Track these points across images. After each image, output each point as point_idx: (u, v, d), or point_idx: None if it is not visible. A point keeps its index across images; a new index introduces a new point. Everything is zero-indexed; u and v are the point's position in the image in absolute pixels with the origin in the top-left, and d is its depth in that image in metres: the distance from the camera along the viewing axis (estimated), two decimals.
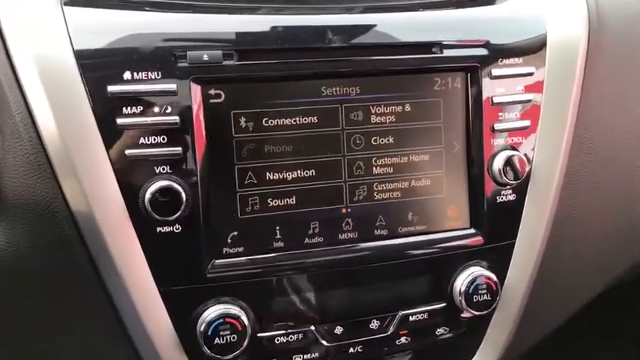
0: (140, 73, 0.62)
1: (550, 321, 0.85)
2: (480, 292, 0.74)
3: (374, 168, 0.71)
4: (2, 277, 0.64)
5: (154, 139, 0.63)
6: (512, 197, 0.76)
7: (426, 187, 0.73)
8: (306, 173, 0.69)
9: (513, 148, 0.75)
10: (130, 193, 0.63)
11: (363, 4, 0.75)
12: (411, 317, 0.74)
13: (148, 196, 0.62)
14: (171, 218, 0.63)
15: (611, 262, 0.86)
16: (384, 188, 0.72)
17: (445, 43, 0.71)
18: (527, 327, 0.81)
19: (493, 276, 0.75)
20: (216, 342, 0.66)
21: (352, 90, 0.69)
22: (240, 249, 0.68)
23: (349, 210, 0.71)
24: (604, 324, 1.42)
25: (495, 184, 0.75)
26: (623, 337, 1.40)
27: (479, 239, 0.75)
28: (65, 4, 0.64)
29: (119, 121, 0.62)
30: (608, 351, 1.44)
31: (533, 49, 0.76)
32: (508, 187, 0.75)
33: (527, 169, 0.75)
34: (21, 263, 0.63)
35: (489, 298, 0.74)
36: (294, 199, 0.69)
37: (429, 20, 0.73)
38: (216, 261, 0.67)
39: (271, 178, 0.68)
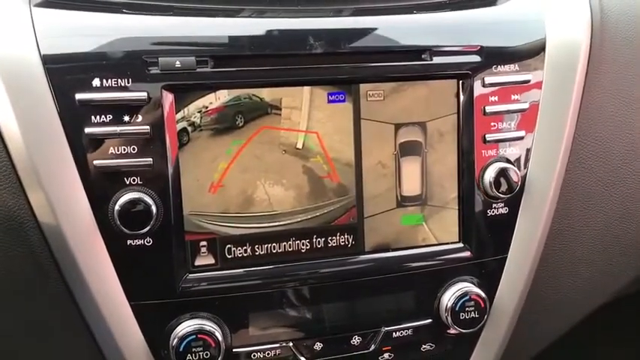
0: (110, 80, 0.58)
1: (541, 339, 0.81)
2: (467, 309, 0.69)
3: None
4: None
5: (124, 149, 0.58)
6: (504, 210, 0.70)
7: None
8: None
9: (507, 160, 0.69)
10: (99, 205, 0.59)
11: (351, 5, 0.69)
12: (394, 333, 0.70)
13: (117, 208, 0.58)
14: (141, 232, 0.59)
15: (608, 278, 0.80)
16: None
17: (435, 49, 0.65)
18: (517, 346, 0.76)
19: (482, 292, 0.70)
20: (188, 358, 0.61)
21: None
22: (212, 260, 0.63)
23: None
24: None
25: (487, 196, 0.69)
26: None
27: (468, 254, 0.70)
28: (35, 5, 0.59)
29: (87, 130, 0.57)
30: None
31: (531, 54, 0.70)
32: (500, 200, 0.70)
33: (520, 181, 0.69)
34: None
35: (477, 316, 0.70)
36: None
37: (419, 24, 0.68)
38: (189, 275, 0.62)
39: None
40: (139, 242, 0.60)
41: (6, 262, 0.59)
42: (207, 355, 0.62)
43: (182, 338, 0.61)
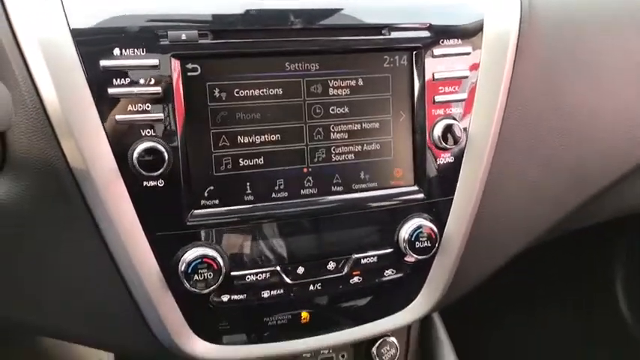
0: (128, 50, 0.68)
1: (484, 267, 0.93)
2: (421, 239, 0.81)
3: (331, 134, 0.78)
4: (6, 224, 0.70)
5: (140, 107, 0.69)
6: (450, 160, 0.83)
7: (376, 150, 0.80)
8: (273, 137, 0.76)
9: (452, 118, 0.82)
10: (120, 152, 0.69)
11: None
12: (362, 260, 0.81)
13: (135, 155, 0.69)
14: (155, 174, 0.70)
15: (534, 221, 0.94)
16: (340, 151, 0.79)
17: (393, 26, 0.78)
18: (464, 272, 0.88)
19: (433, 226, 0.82)
20: (195, 278, 0.73)
21: (312, 66, 0.76)
22: (216, 201, 0.75)
23: (310, 170, 0.78)
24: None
25: (436, 148, 0.82)
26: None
27: (421, 195, 0.82)
28: None
29: (110, 91, 0.68)
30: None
31: (471, 32, 0.82)
32: (447, 151, 0.82)
33: (463, 135, 0.81)
34: (25, 211, 0.69)
35: (430, 245, 0.82)
36: (262, 159, 0.76)
37: (380, 6, 0.79)
38: (195, 211, 0.74)
39: (242, 141, 0.75)
40: (153, 184, 0.71)
41: (42, 200, 0.70)
42: (210, 275, 0.73)
43: (189, 263, 0.73)
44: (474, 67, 0.82)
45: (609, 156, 0.96)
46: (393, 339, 0.96)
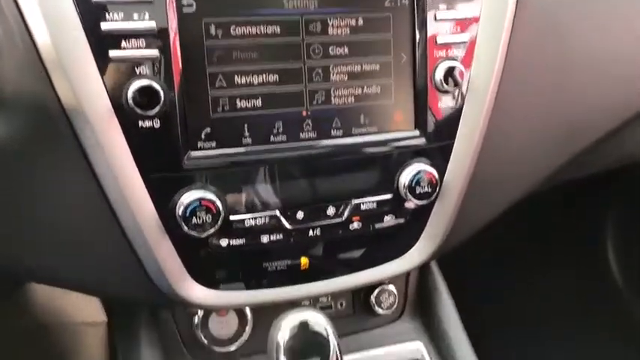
0: None
1: (483, 214, 0.93)
2: (421, 184, 0.80)
3: (331, 75, 0.76)
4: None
5: (134, 43, 0.67)
6: (451, 104, 0.81)
7: (377, 93, 0.78)
8: (270, 78, 0.74)
9: (454, 60, 0.80)
10: (114, 90, 0.67)
11: None
12: (362, 205, 0.80)
13: (130, 93, 0.66)
14: (150, 113, 0.68)
15: (539, 164, 0.93)
16: (340, 94, 0.77)
17: None
18: (463, 219, 0.88)
19: (434, 171, 0.81)
20: (194, 221, 0.71)
21: (311, 3, 0.73)
22: (213, 143, 0.73)
23: (309, 112, 0.76)
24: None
25: (437, 91, 0.80)
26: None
27: (422, 140, 0.81)
28: None
29: (103, 26, 0.65)
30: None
31: None
32: (448, 94, 0.80)
33: (465, 78, 0.80)
34: (18, 153, 0.68)
35: (430, 190, 0.81)
36: (259, 101, 0.74)
37: None
38: (192, 153, 0.72)
39: (239, 82, 0.72)
40: (148, 124, 0.69)
41: (36, 139, 0.68)
42: (209, 219, 0.72)
43: (187, 205, 0.71)
44: (477, 8, 0.80)
45: (611, 101, 0.96)
46: (391, 287, 0.96)
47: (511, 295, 1.59)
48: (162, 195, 0.72)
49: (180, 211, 0.71)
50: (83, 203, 0.73)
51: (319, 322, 0.66)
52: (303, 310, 0.67)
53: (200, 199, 0.71)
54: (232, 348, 0.90)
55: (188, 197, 0.72)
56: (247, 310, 0.91)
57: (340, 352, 0.66)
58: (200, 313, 0.89)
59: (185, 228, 0.72)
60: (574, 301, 1.58)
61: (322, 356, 0.65)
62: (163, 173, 0.72)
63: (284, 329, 0.66)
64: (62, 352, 1.27)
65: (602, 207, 1.62)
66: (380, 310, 0.95)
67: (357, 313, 0.98)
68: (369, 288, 0.96)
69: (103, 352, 1.22)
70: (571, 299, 1.57)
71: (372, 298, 0.95)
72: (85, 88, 0.67)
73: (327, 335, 0.65)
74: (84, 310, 1.28)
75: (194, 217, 0.71)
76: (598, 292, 1.59)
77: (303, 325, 0.66)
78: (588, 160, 0.98)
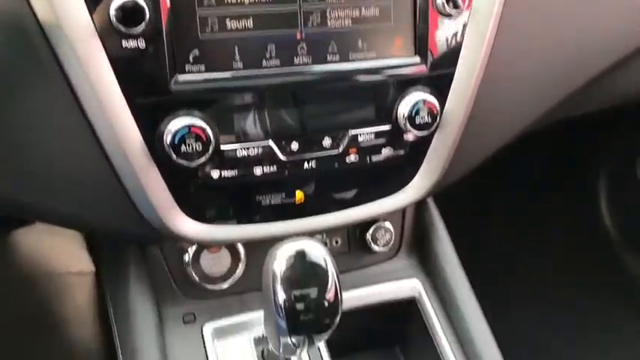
0: None
1: (481, 149, 0.89)
2: (421, 114, 0.77)
3: None
4: None
5: None
6: (454, 29, 0.77)
7: (375, 15, 0.74)
8: None
9: None
10: (95, 6, 0.62)
11: None
12: (359, 137, 0.77)
13: (112, 10, 0.62)
14: (135, 31, 0.63)
15: (538, 99, 0.90)
16: (336, 15, 0.72)
17: None
18: (461, 153, 0.84)
19: (434, 100, 0.77)
20: (183, 150, 0.67)
21: None
22: (202, 67, 0.68)
23: (303, 35, 0.72)
24: None
25: (439, 14, 0.76)
26: None
27: (422, 67, 0.77)
28: None
29: None
30: None
31: None
32: (450, 18, 0.76)
33: (467, 2, 0.75)
34: None
35: (430, 121, 0.77)
36: (251, 21, 0.69)
37: None
38: (180, 76, 0.68)
39: (229, 0, 0.68)
40: (133, 44, 0.64)
41: (13, 65, 0.63)
42: (199, 147, 0.68)
43: (176, 132, 0.67)
44: None
45: (610, 37, 0.93)
46: (387, 224, 0.93)
47: (510, 249, 1.58)
48: (149, 122, 0.68)
49: (168, 138, 0.67)
50: (67, 132, 0.68)
51: (317, 251, 0.63)
52: (300, 239, 0.64)
53: (189, 126, 0.67)
54: (225, 285, 0.88)
55: (176, 124, 0.67)
56: (240, 247, 0.88)
57: (339, 282, 0.63)
58: (191, 250, 0.86)
59: (174, 157, 0.68)
60: (570, 254, 1.57)
61: (320, 287, 0.62)
62: (150, 98, 0.67)
63: (280, 259, 0.62)
64: (50, 302, 1.24)
65: (594, 157, 1.60)
66: (376, 248, 0.93)
67: (352, 250, 0.95)
68: (365, 225, 0.93)
69: (91, 302, 1.20)
70: (570, 254, 1.57)
71: (368, 235, 0.92)
72: (64, 4, 0.61)
73: (326, 265, 0.62)
74: (71, 260, 1.26)
75: (183, 145, 0.67)
76: (593, 247, 1.58)
77: (300, 255, 0.63)
78: (586, 96, 0.96)
